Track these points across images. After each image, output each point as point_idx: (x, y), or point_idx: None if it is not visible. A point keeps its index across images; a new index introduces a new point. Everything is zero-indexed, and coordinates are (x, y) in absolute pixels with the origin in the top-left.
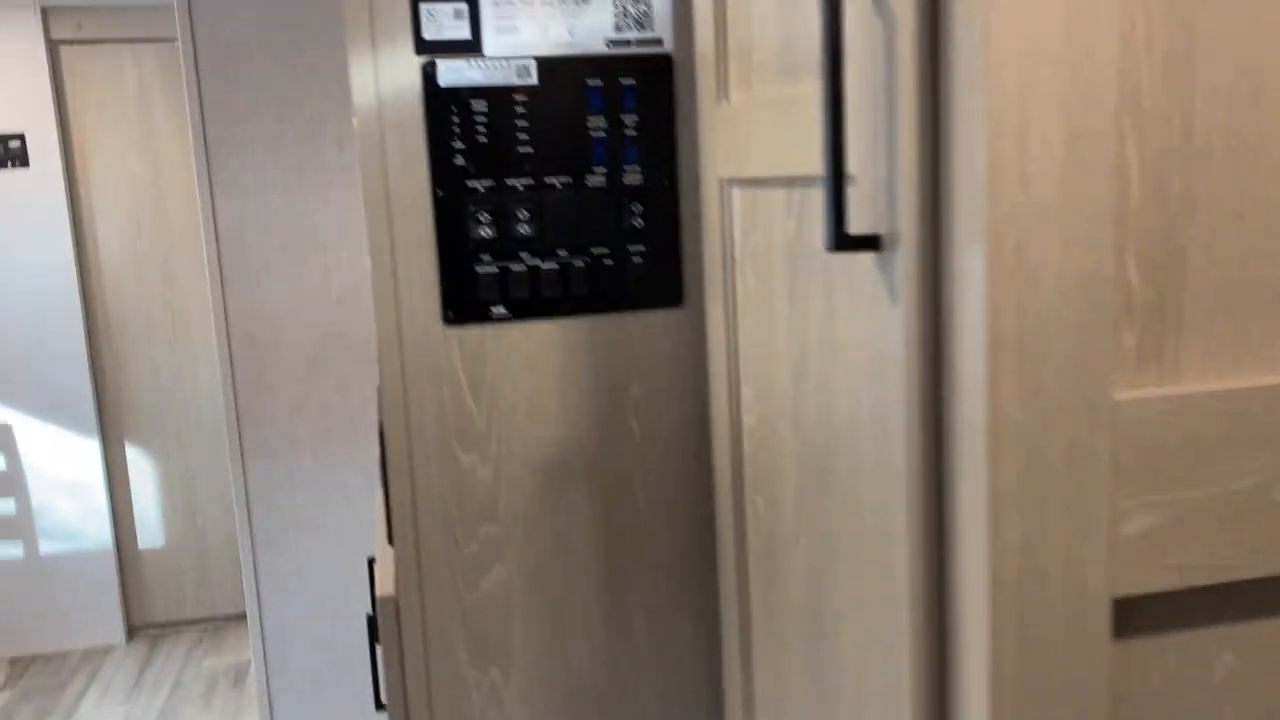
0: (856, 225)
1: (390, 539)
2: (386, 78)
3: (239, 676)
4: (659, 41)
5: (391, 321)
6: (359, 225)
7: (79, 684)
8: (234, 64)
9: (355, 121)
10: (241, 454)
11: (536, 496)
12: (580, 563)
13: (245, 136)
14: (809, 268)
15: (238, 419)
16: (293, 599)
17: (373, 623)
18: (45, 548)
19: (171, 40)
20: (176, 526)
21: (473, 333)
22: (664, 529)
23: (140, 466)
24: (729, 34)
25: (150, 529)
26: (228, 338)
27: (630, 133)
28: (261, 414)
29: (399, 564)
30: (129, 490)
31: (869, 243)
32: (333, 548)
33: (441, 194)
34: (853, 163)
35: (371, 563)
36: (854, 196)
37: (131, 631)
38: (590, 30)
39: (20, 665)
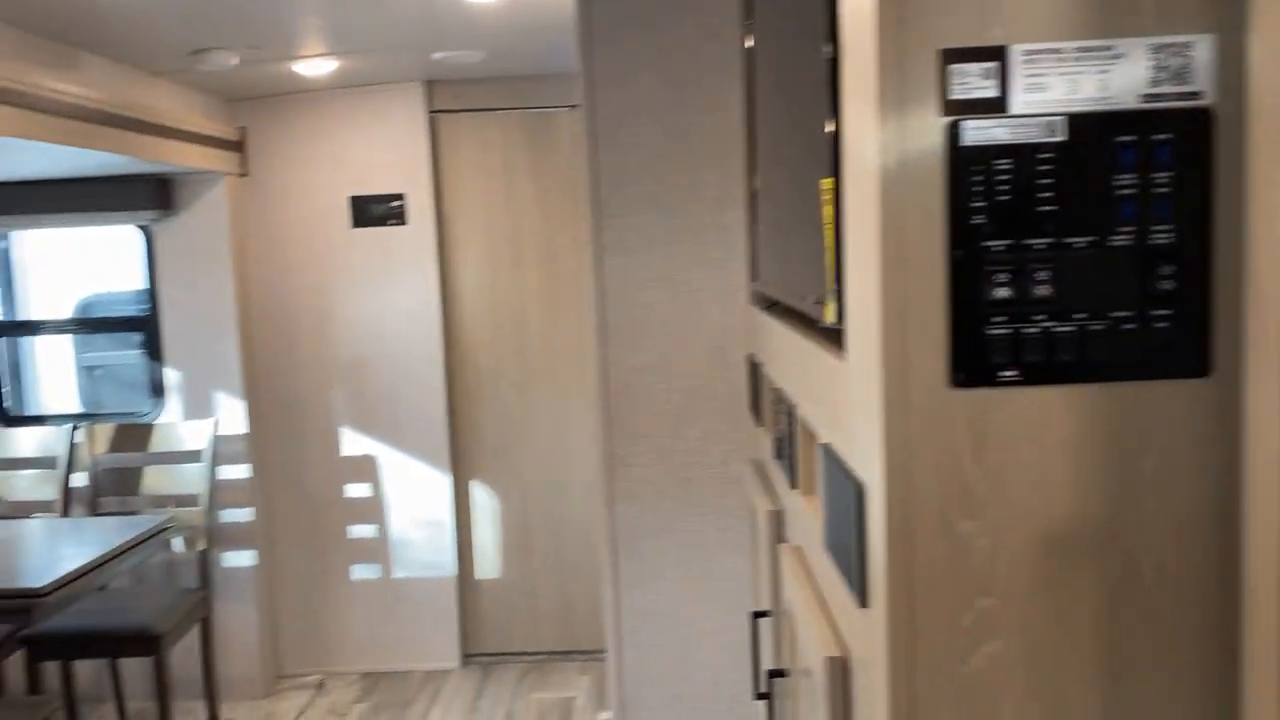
0: None
1: (862, 600)
2: (909, 139)
3: (565, 713)
4: (1198, 95)
5: (899, 382)
6: (732, 283)
7: (422, 704)
8: (624, 130)
9: (874, 183)
10: (612, 497)
11: (1036, 572)
12: (1081, 648)
13: (632, 198)
14: None
15: (611, 463)
16: (645, 643)
17: (768, 677)
18: (397, 573)
19: (537, 108)
20: (512, 562)
21: (978, 396)
22: (1178, 619)
23: (483, 503)
24: None
25: (488, 563)
26: (607, 387)
27: (1162, 190)
28: (631, 460)
29: (891, 629)
30: (470, 524)
31: None
32: (687, 596)
33: (958, 254)
34: None
35: (757, 617)
36: None
37: (465, 659)
38: (1123, 85)
39: (370, 680)
